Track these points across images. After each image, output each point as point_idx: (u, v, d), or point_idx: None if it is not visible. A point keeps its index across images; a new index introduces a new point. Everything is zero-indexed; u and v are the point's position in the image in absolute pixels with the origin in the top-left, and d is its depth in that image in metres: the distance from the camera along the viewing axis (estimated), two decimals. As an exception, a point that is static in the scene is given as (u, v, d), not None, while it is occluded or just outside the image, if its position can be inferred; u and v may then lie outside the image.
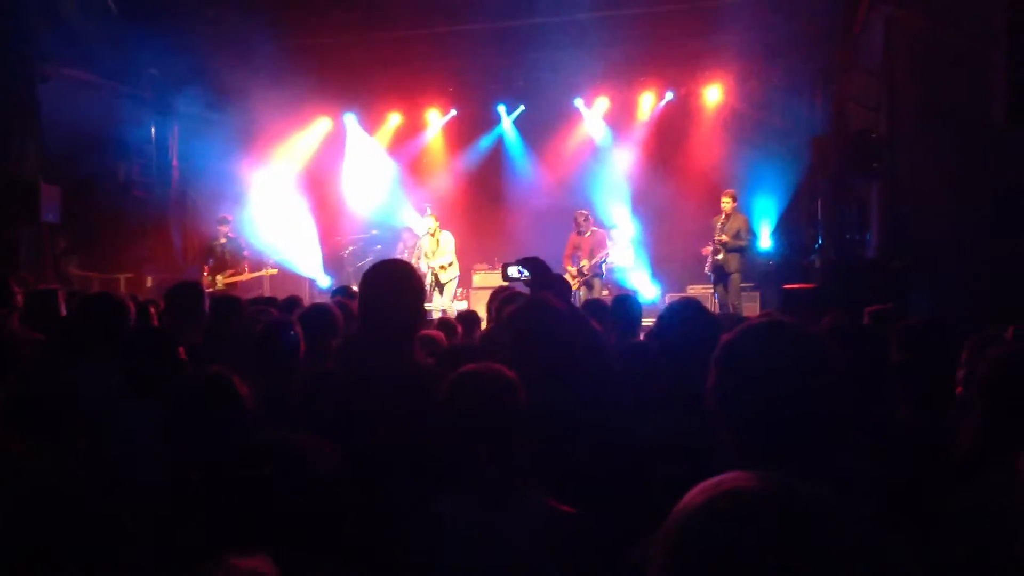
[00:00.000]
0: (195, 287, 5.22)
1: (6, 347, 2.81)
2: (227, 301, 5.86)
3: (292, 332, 4.07)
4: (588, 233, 13.40)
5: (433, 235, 13.74)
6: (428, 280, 13.54)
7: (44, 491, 2.38)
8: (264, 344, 3.94)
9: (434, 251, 13.70)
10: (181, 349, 3.65)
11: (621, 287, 13.84)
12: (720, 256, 12.50)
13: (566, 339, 3.45)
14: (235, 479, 1.97)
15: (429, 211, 14.01)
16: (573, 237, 13.53)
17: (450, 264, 13.67)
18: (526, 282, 4.09)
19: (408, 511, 2.63)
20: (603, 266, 13.42)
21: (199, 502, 2.04)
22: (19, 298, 5.48)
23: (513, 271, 4.17)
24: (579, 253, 13.39)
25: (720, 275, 12.61)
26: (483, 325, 6.74)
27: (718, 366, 2.00)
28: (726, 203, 12.59)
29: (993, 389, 2.86)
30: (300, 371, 4.06)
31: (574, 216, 13.51)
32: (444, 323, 6.80)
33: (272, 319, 5.17)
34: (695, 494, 1.34)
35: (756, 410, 1.92)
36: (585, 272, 13.11)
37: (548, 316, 3.52)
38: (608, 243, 14.16)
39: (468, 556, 2.48)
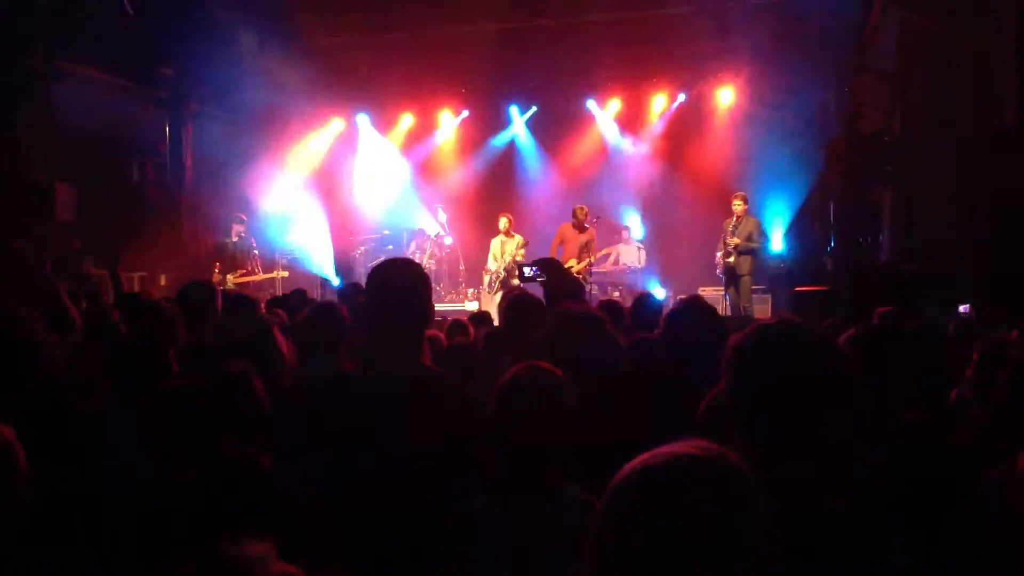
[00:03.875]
0: (208, 286, 5.25)
1: (27, 348, 2.79)
2: (240, 300, 5.89)
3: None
4: (583, 231, 13.29)
5: (510, 235, 13.59)
6: (497, 279, 13.58)
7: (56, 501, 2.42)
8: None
9: (508, 253, 13.52)
10: (172, 352, 3.65)
11: (632, 288, 13.83)
12: (732, 259, 12.47)
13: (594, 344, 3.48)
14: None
15: (444, 212, 13.96)
16: (568, 230, 13.37)
17: None
18: (541, 283, 4.12)
19: (437, 511, 2.65)
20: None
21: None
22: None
23: (528, 272, 4.21)
24: (566, 248, 13.26)
25: (732, 277, 12.58)
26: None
27: (730, 367, 2.03)
28: (737, 205, 12.56)
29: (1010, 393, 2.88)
30: (307, 370, 4.08)
31: (573, 210, 13.38)
32: (456, 324, 6.80)
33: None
34: (633, 463, 1.46)
35: (768, 409, 1.94)
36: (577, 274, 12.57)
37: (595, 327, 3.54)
38: (619, 244, 14.15)
39: (511, 553, 2.50)
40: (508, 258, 13.36)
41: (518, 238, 13.56)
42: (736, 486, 1.43)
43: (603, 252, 14.12)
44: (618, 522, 1.44)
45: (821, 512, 1.85)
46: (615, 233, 15.06)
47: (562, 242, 13.36)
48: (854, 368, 2.01)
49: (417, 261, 12.93)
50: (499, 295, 13.06)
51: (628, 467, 1.48)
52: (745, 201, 12.59)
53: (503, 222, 13.64)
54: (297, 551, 1.69)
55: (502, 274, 13.43)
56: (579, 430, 2.65)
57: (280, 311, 5.78)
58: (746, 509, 1.41)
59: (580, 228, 13.28)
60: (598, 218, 13.64)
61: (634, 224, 15.13)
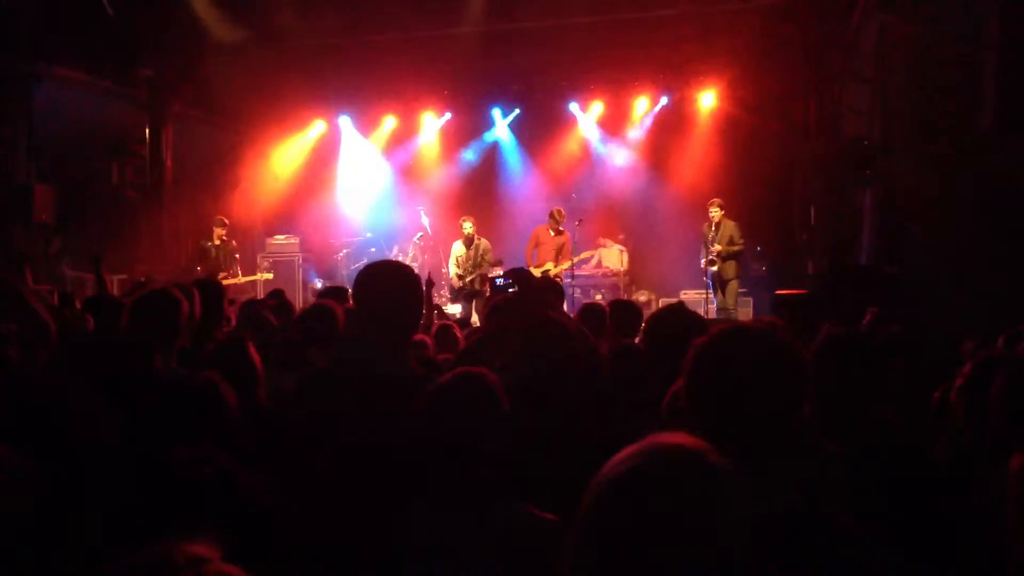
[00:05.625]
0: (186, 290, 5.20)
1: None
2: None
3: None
4: (559, 234, 13.20)
5: (472, 241, 13.14)
6: (453, 286, 13.40)
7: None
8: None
9: (470, 258, 13.10)
10: (157, 356, 3.62)
11: (615, 291, 13.84)
12: (715, 267, 12.54)
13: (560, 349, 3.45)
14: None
15: (427, 215, 13.89)
16: (543, 233, 13.24)
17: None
18: (513, 293, 4.11)
19: (379, 515, 2.63)
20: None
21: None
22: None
23: (500, 282, 4.20)
24: (540, 250, 13.19)
25: (719, 282, 12.68)
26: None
27: (688, 370, 2.05)
28: (714, 212, 12.63)
29: (977, 395, 2.88)
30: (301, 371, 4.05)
31: (551, 212, 13.25)
32: (443, 329, 6.77)
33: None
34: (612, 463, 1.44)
35: (723, 411, 1.95)
36: (553, 277, 12.17)
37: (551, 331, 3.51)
38: (601, 248, 14.15)
39: (433, 563, 2.49)
40: (485, 265, 13.08)
41: (483, 242, 13.26)
42: (718, 486, 1.41)
43: (584, 255, 14.06)
44: (601, 522, 1.42)
45: (785, 512, 1.84)
46: (597, 236, 15.06)
47: (537, 244, 13.32)
48: (807, 367, 2.02)
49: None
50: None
51: (611, 465, 1.46)
52: (721, 207, 12.67)
53: (468, 226, 13.23)
54: (263, 552, 1.66)
55: (458, 283, 13.17)
56: (512, 435, 2.62)
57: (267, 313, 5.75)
58: (728, 509, 1.40)
59: (556, 231, 13.22)
60: (580, 220, 13.64)
61: (616, 227, 15.13)
